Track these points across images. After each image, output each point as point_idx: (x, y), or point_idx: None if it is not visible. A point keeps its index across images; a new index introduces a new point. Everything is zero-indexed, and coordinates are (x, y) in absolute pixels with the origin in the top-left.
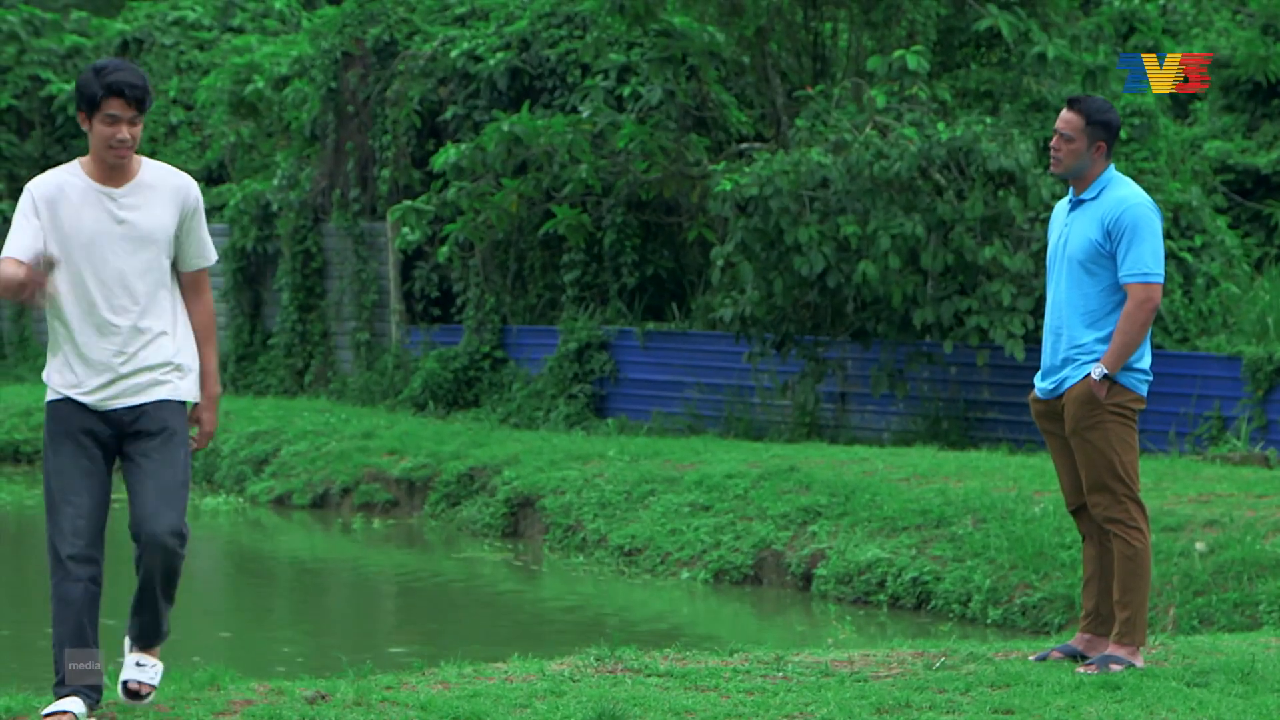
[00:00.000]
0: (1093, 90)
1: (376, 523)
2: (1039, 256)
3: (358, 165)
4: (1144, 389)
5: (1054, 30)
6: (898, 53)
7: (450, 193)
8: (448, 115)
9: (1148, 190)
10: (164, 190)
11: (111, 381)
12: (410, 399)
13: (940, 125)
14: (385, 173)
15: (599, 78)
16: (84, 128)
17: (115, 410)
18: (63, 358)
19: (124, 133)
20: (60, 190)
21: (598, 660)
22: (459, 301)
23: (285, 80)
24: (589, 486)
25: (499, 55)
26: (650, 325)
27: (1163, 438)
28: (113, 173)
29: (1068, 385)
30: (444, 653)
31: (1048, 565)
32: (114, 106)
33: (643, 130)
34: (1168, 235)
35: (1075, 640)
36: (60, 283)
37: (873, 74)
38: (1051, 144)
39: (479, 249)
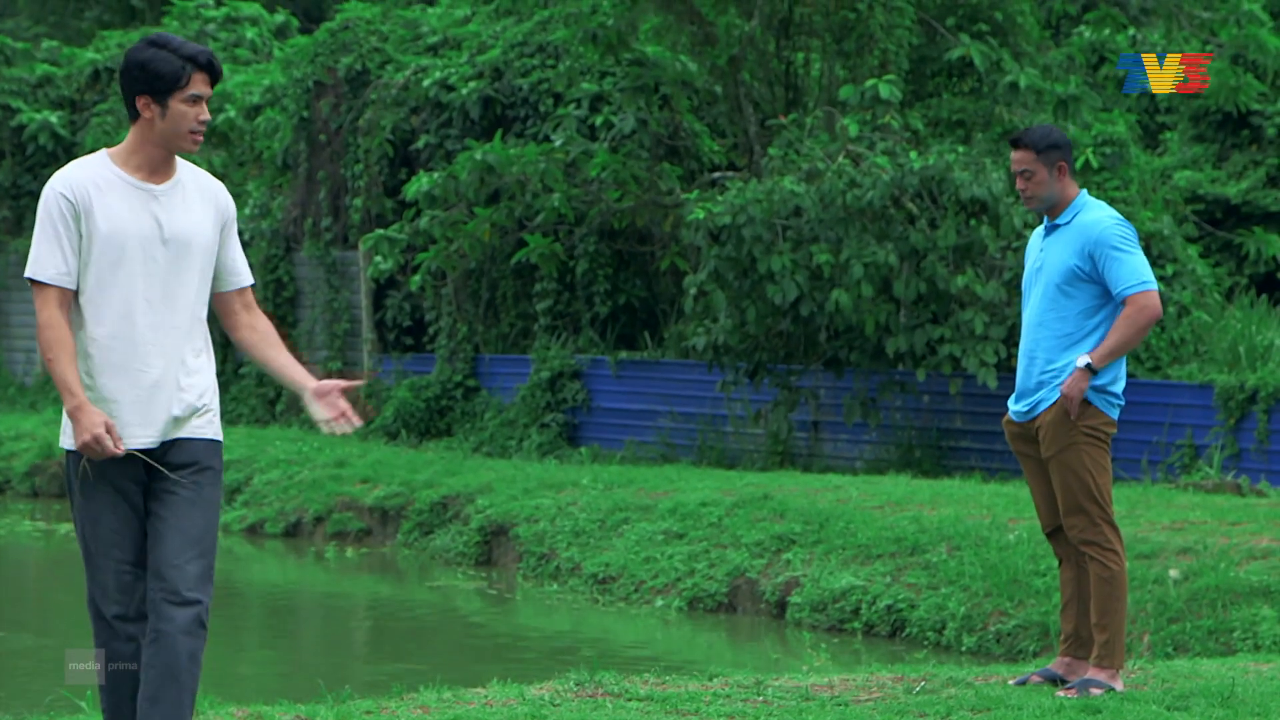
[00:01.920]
0: (1064, 119)
1: (350, 551)
2: (1011, 285)
3: (330, 194)
4: (1116, 413)
5: (1025, 60)
6: (870, 82)
7: (423, 221)
8: (420, 144)
9: None
10: (202, 193)
11: (151, 417)
12: (382, 428)
13: (913, 154)
14: (357, 202)
15: (571, 107)
16: (145, 114)
17: (149, 450)
18: (93, 393)
19: (206, 113)
20: (94, 184)
21: (577, 685)
22: (431, 330)
23: (257, 109)
24: (563, 515)
25: (471, 84)
26: (623, 354)
27: (1135, 466)
28: (159, 166)
29: (1043, 408)
30: (420, 680)
31: (1022, 592)
32: (200, 84)
33: (615, 159)
34: None
35: (1055, 664)
36: (94, 295)
37: (845, 103)
38: (1017, 186)
39: (451, 278)
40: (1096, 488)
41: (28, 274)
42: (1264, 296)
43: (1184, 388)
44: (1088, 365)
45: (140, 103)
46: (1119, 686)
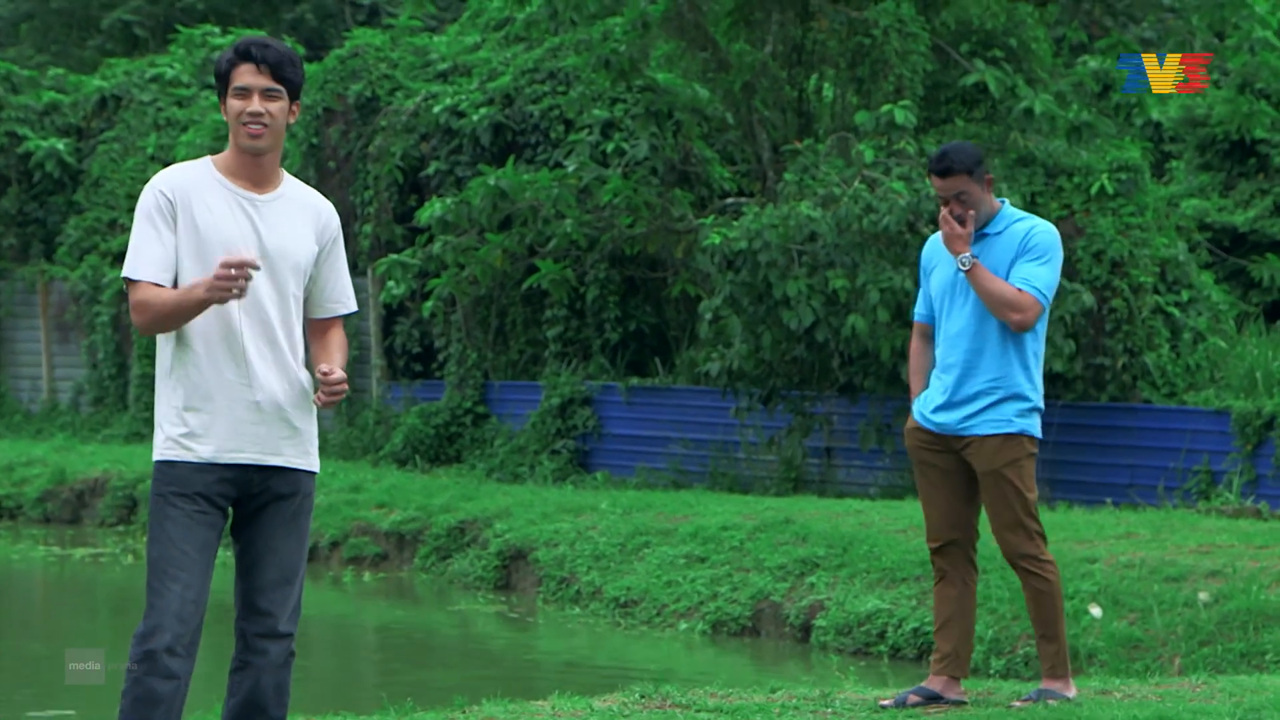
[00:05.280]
0: (1077, 144)
1: (367, 576)
2: None
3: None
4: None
5: (1039, 86)
6: (885, 107)
7: (436, 247)
8: (430, 171)
9: (1135, 245)
10: (306, 209)
11: (244, 430)
12: (392, 454)
13: (928, 179)
14: (367, 228)
15: (584, 133)
16: (226, 118)
17: (245, 467)
18: (182, 403)
19: (256, 104)
20: (194, 185)
21: (643, 697)
22: (440, 357)
23: None
24: (582, 539)
25: (482, 111)
26: (634, 380)
27: (1151, 492)
28: (254, 173)
29: (985, 428)
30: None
31: None
32: (243, 75)
33: (627, 185)
34: (1155, 290)
35: (930, 682)
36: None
37: (858, 128)
38: (951, 214)
39: (461, 304)
40: (1033, 503)
41: (125, 274)
42: (1278, 323)
43: (1200, 413)
44: (972, 263)
45: (222, 109)
46: (1072, 694)
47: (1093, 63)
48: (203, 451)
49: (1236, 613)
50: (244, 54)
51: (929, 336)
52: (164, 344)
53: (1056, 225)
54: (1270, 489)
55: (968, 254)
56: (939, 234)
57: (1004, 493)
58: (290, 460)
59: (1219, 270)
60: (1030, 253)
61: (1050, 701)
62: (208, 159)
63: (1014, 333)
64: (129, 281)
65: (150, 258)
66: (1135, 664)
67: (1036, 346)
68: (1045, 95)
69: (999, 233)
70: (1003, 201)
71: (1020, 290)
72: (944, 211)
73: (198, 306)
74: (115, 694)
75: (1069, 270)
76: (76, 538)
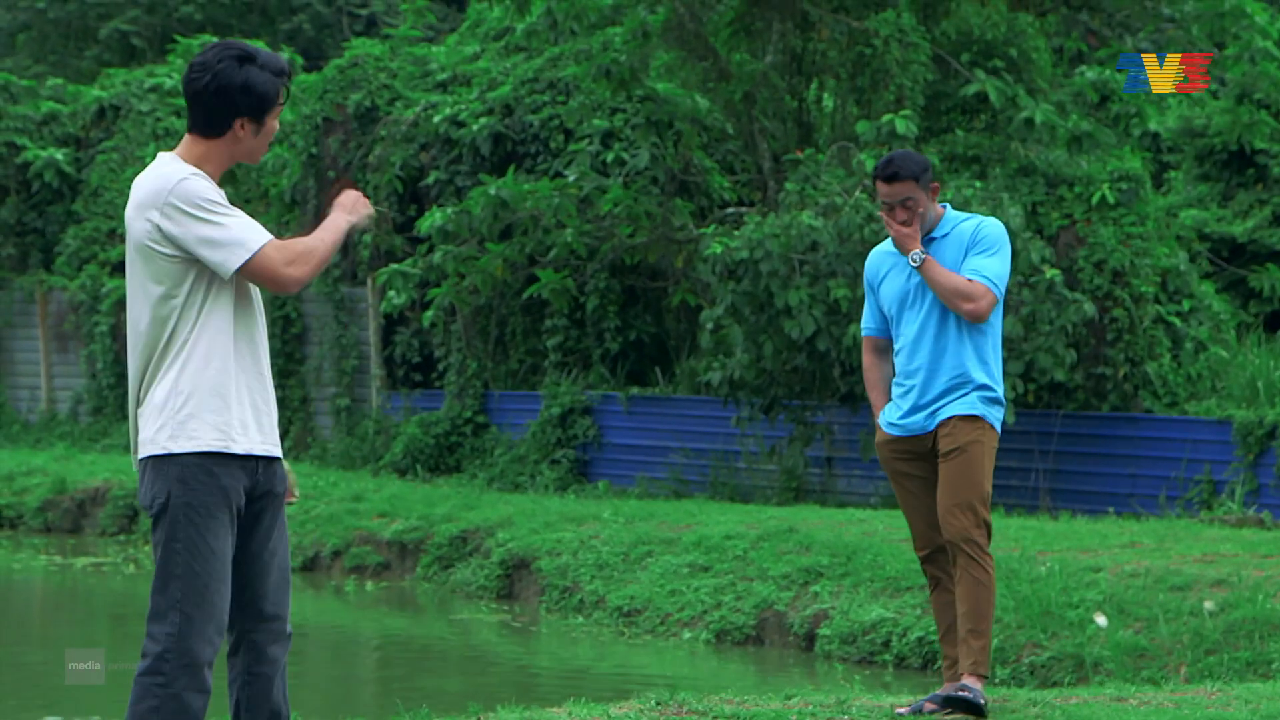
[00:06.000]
0: (1079, 155)
1: (369, 585)
2: (1028, 321)
3: None
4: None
5: (1040, 96)
6: (886, 117)
7: (436, 256)
8: (430, 181)
9: (1136, 254)
10: None
11: (263, 421)
12: (391, 464)
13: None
14: (367, 238)
15: (584, 142)
16: (239, 133)
17: (257, 460)
18: (217, 393)
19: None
20: (212, 181)
21: (658, 704)
22: (440, 367)
23: None
24: (585, 548)
25: (482, 121)
26: (634, 390)
27: (1153, 501)
28: (220, 178)
29: (950, 411)
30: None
31: (1055, 625)
32: (281, 95)
33: (627, 195)
34: (1156, 300)
35: (946, 689)
36: (219, 294)
37: (858, 138)
38: (897, 220)
39: (461, 314)
40: (987, 493)
41: (254, 245)
42: (1278, 333)
43: (1202, 423)
44: (924, 258)
45: (239, 124)
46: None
47: (1090, 73)
48: (242, 444)
49: (1242, 622)
50: (291, 74)
51: (882, 350)
52: (181, 332)
53: (1058, 235)
54: (1273, 498)
55: (918, 250)
56: (879, 248)
57: (966, 471)
58: (280, 450)
59: (1218, 280)
60: (978, 245)
61: (978, 699)
62: (180, 160)
63: (971, 329)
64: (259, 249)
65: (256, 223)
66: (1142, 673)
67: (995, 340)
68: (1046, 105)
69: (945, 235)
70: (945, 206)
71: (971, 280)
72: (885, 215)
73: (342, 236)
74: (114, 696)
75: (1070, 280)
76: (77, 547)
